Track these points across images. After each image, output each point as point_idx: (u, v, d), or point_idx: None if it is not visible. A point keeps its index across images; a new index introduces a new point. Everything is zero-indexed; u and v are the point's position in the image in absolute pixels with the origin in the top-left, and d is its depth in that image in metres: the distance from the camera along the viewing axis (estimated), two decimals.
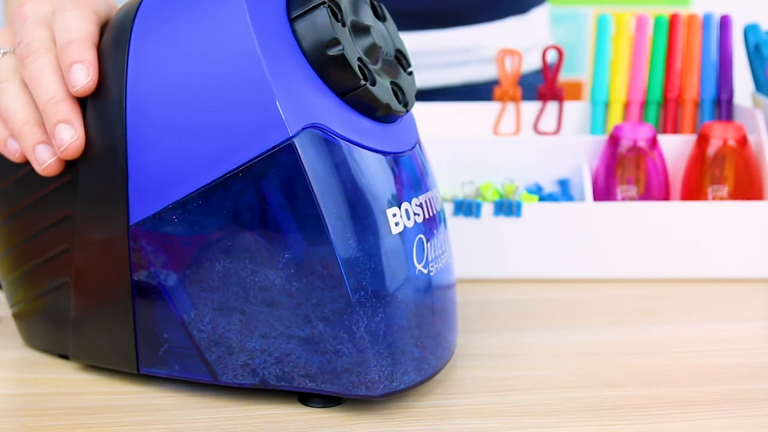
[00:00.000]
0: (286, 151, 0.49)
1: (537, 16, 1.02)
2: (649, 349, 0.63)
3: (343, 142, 0.50)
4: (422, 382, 0.53)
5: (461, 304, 0.62)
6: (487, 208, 0.74)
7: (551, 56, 0.83)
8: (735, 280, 0.75)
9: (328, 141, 0.50)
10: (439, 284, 0.54)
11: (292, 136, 0.49)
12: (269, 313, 0.51)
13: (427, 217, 0.54)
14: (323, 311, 0.50)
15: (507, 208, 0.74)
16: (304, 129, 0.49)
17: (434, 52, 0.95)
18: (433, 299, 0.54)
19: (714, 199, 0.76)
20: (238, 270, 0.50)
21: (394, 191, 0.52)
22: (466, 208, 0.74)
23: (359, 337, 0.50)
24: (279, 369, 0.52)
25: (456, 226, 0.74)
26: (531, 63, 0.98)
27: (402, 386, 0.52)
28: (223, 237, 0.50)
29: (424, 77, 0.93)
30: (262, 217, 0.50)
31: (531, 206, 0.74)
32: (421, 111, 0.80)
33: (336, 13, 0.53)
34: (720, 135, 0.76)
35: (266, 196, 0.49)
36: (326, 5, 0.52)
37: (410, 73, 0.58)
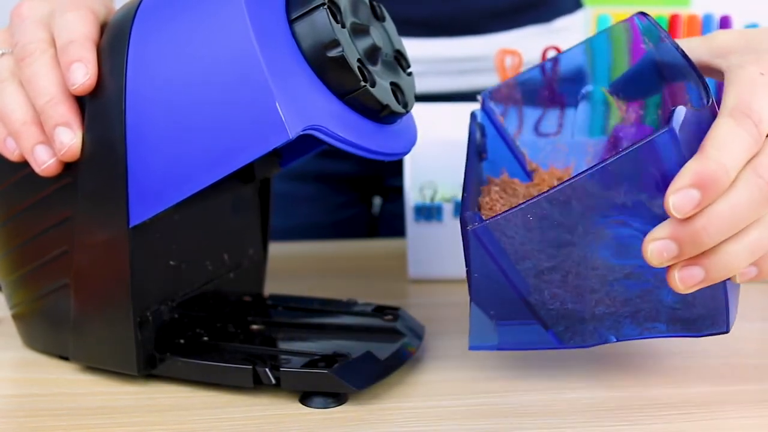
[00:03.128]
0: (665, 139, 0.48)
1: (564, 25, 1.01)
2: (649, 349, 0.63)
3: None
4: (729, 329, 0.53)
5: (461, 305, 0.62)
6: None
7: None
8: None
9: None
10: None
11: (292, 138, 0.49)
12: (624, 283, 0.51)
13: None
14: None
15: None
16: (304, 130, 0.49)
17: (444, 60, 0.95)
18: None
19: None
20: (587, 249, 0.51)
21: None
22: None
23: (718, 286, 0.50)
24: (630, 325, 0.53)
25: (456, 226, 0.74)
26: None
27: (733, 321, 0.53)
28: (572, 221, 0.50)
29: (433, 83, 0.93)
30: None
31: None
32: (422, 112, 0.80)
33: (335, 14, 0.53)
34: None
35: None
36: (326, 6, 0.52)
37: (410, 74, 0.58)
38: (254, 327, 0.62)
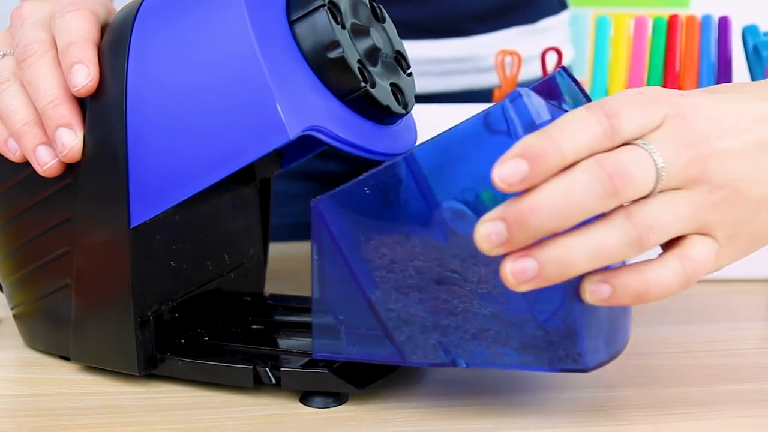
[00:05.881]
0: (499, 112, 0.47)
1: (549, 25, 1.02)
2: (649, 349, 0.63)
3: None
4: (614, 357, 0.52)
5: None
6: None
7: (551, 58, 0.83)
8: (735, 280, 0.75)
9: None
10: None
11: (293, 139, 0.49)
12: (468, 289, 0.49)
13: None
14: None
15: None
16: (304, 131, 0.49)
17: (431, 61, 0.95)
18: None
19: None
20: (434, 243, 0.49)
21: None
22: None
23: (568, 308, 0.48)
24: (475, 346, 0.50)
25: None
26: (538, 71, 0.98)
27: (605, 358, 0.50)
28: (419, 208, 0.49)
29: (421, 84, 0.93)
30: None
31: None
32: (421, 113, 0.80)
33: (336, 15, 0.53)
34: None
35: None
36: (326, 7, 0.52)
37: (410, 75, 0.58)
38: (255, 327, 0.62)
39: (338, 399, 0.54)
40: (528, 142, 0.45)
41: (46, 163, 0.54)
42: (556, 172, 0.45)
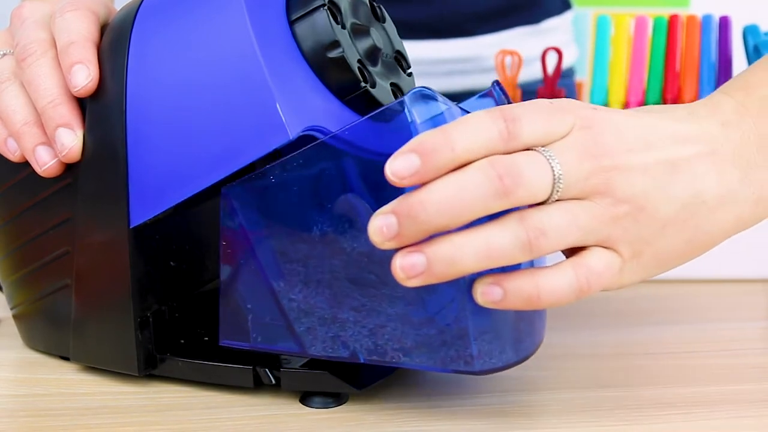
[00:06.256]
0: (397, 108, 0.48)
1: (553, 26, 1.02)
2: (649, 349, 0.63)
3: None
4: (516, 363, 0.51)
5: None
6: None
7: (552, 58, 0.83)
8: (735, 280, 0.75)
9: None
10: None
11: (293, 139, 0.49)
12: (366, 283, 0.49)
13: None
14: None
15: None
16: (304, 131, 0.49)
17: (433, 62, 0.95)
18: None
19: None
20: (336, 236, 0.49)
21: None
22: None
23: (460, 309, 0.48)
24: (372, 342, 0.50)
25: None
26: (540, 72, 0.98)
27: (500, 364, 0.50)
28: (323, 200, 0.49)
29: (423, 84, 0.93)
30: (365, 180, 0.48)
31: None
32: None
33: (336, 15, 0.53)
34: None
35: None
36: (326, 7, 0.52)
37: (410, 75, 0.58)
38: None
39: (338, 399, 0.54)
40: (422, 138, 0.45)
41: (45, 163, 0.54)
42: (449, 170, 0.45)
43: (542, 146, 0.47)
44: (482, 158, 0.46)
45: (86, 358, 0.57)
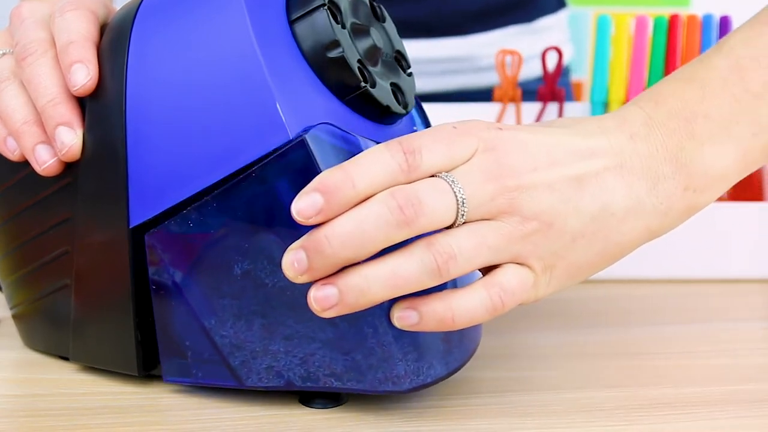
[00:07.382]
0: (299, 148, 0.48)
1: (547, 24, 1.02)
2: (649, 349, 0.63)
3: (359, 139, 0.50)
4: (448, 375, 0.52)
5: None
6: None
7: (552, 58, 0.83)
8: (735, 280, 0.75)
9: (342, 137, 0.50)
10: (461, 280, 0.54)
11: (293, 139, 0.49)
12: (290, 316, 0.50)
13: None
14: None
15: None
16: (304, 131, 0.49)
17: (428, 61, 0.95)
18: None
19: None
20: (257, 272, 0.50)
21: None
22: None
23: (383, 333, 0.49)
24: (304, 370, 0.51)
25: None
26: (536, 70, 0.98)
27: (429, 380, 0.51)
28: (241, 239, 0.50)
29: (418, 83, 0.93)
30: (278, 218, 0.49)
31: None
32: None
33: (336, 14, 0.53)
34: None
35: (279, 196, 0.49)
36: (326, 7, 0.52)
37: (410, 75, 0.58)
38: None
39: (338, 399, 0.54)
40: (323, 176, 0.46)
41: (45, 162, 0.54)
42: (353, 205, 0.46)
43: (446, 172, 0.48)
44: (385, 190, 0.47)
45: (86, 358, 0.57)
